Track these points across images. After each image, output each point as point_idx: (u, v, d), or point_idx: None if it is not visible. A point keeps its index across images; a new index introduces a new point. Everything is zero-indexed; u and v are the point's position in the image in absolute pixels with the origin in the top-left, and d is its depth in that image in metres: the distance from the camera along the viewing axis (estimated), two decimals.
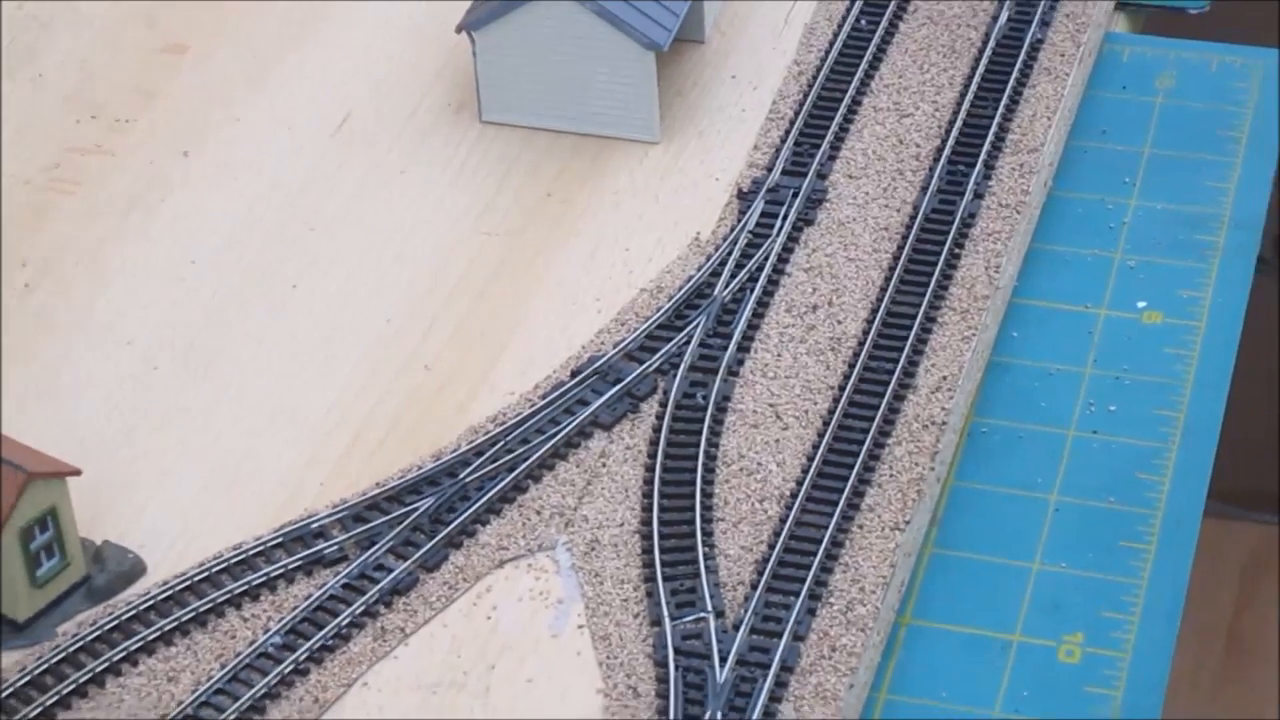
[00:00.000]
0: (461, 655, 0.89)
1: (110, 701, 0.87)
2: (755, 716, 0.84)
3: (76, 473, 0.91)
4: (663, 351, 1.01)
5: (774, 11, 1.19)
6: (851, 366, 0.99)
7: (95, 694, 0.88)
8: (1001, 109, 1.11)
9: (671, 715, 0.85)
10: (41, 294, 1.09)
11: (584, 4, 1.09)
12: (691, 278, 1.03)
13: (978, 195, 1.07)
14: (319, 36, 1.21)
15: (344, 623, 0.88)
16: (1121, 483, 0.98)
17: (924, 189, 1.06)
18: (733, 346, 1.01)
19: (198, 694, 0.85)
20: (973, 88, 1.13)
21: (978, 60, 1.14)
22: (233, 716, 0.85)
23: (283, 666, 0.86)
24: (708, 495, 0.94)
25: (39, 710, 0.87)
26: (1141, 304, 1.07)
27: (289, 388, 1.01)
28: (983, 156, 1.09)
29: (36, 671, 0.87)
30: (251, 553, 0.92)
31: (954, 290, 1.03)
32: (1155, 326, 1.05)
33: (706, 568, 0.90)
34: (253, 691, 0.86)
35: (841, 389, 0.98)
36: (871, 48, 1.16)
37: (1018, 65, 1.14)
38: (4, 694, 0.89)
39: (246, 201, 1.12)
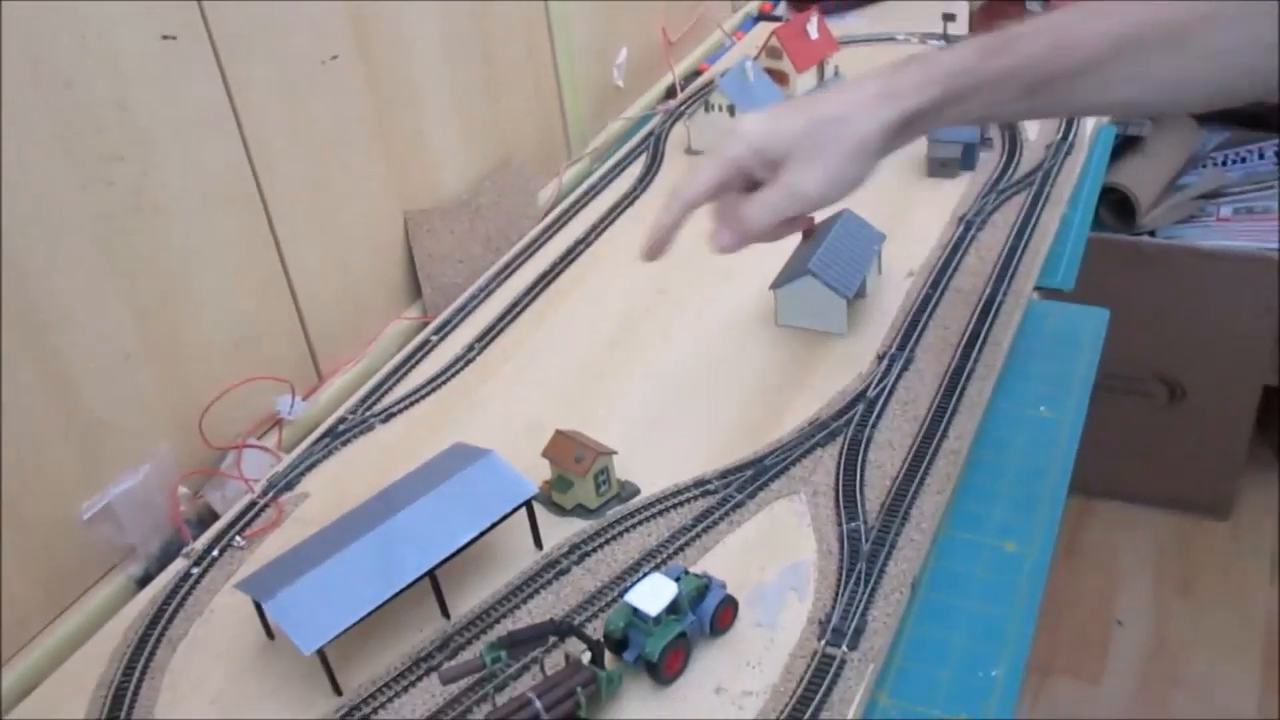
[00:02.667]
0: (765, 533, 1.11)
1: (625, 544, 1.13)
2: (880, 563, 1.07)
3: (615, 452, 1.16)
4: (845, 416, 1.24)
5: (896, 294, 1.40)
6: (921, 424, 1.21)
7: (619, 540, 1.14)
8: (983, 336, 1.32)
9: (843, 563, 1.07)
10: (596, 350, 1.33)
11: (817, 279, 1.32)
12: (859, 389, 1.26)
13: (975, 376, 1.27)
14: (716, 292, 1.45)
15: (715, 517, 1.14)
16: (1032, 474, 1.18)
17: (947, 366, 1.28)
18: (874, 417, 1.23)
19: (658, 543, 1.11)
20: (970, 328, 1.35)
21: (970, 319, 1.36)
22: (664, 556, 1.10)
23: (690, 534, 1.12)
24: (863, 475, 1.18)
25: (595, 546, 1.12)
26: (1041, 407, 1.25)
27: (691, 422, 1.25)
28: (973, 357, 1.30)
29: (599, 529, 1.15)
30: (675, 489, 1.18)
31: (970, 390, 1.25)
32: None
33: (859, 502, 1.14)
34: (673, 544, 1.12)
35: (917, 434, 1.21)
36: (922, 322, 1.38)
37: (990, 318, 1.36)
38: (594, 539, 1.12)
39: (682, 385, 1.33)
